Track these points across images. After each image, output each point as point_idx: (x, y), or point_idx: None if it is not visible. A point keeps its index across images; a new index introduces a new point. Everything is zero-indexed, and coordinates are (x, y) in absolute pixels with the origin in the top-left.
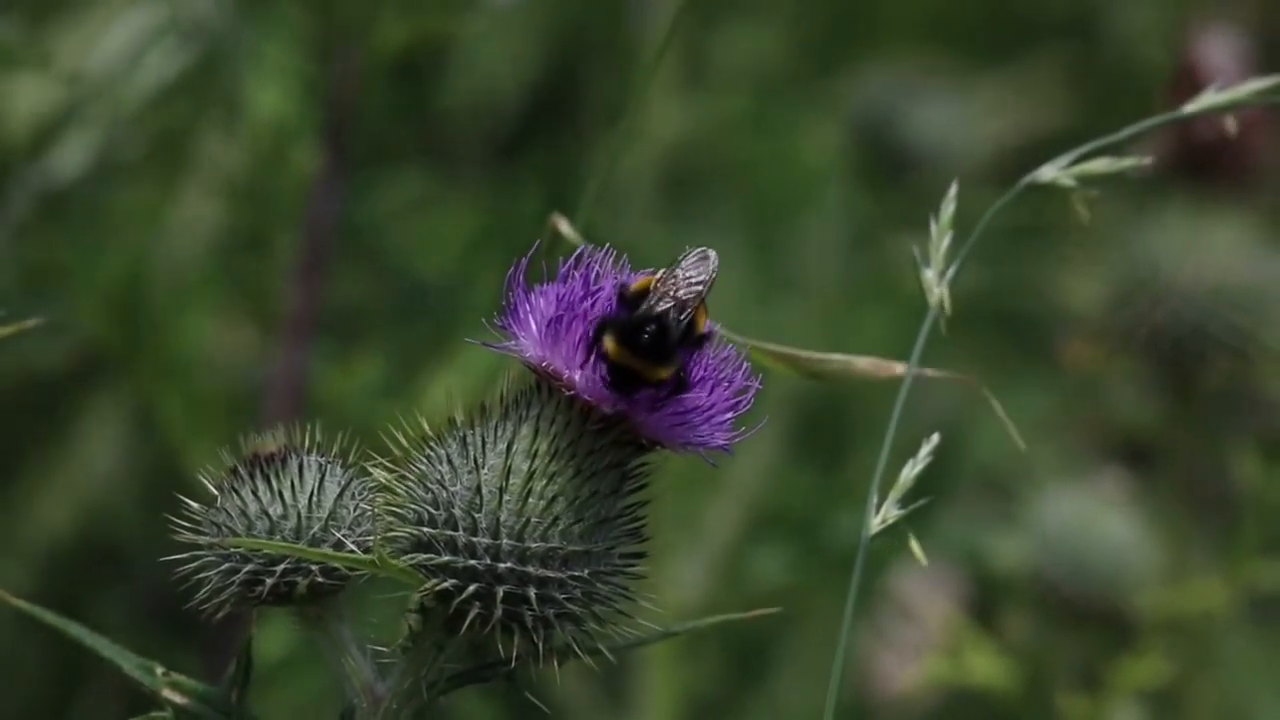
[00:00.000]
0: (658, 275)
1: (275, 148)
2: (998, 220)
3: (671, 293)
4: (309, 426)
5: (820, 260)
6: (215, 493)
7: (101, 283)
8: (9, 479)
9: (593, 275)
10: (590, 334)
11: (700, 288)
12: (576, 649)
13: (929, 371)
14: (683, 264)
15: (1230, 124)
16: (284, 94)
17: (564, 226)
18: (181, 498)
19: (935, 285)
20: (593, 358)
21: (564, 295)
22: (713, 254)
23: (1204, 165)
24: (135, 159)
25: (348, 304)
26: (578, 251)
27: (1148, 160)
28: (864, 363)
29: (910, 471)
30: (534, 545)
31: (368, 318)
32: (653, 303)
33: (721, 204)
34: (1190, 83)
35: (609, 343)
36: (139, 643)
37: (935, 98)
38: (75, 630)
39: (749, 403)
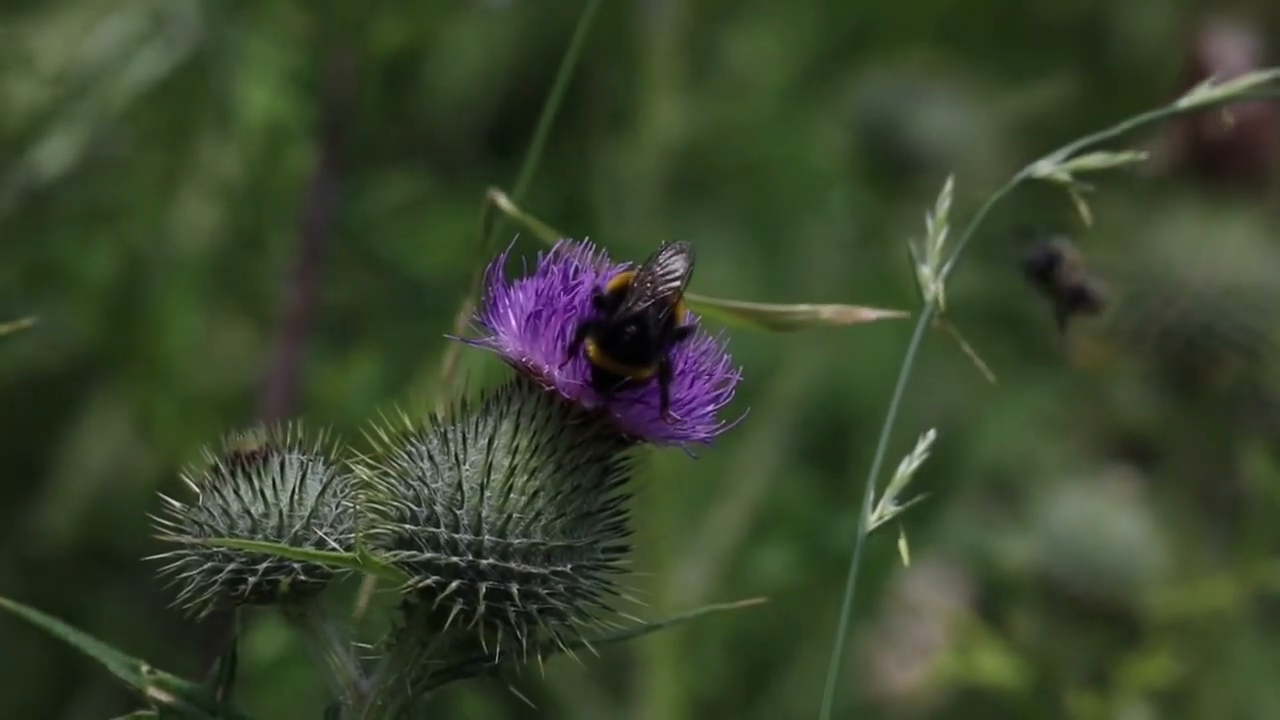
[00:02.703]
0: (635, 273)
1: (270, 147)
2: (1008, 220)
3: (649, 291)
4: (294, 425)
5: (825, 261)
6: (198, 491)
7: (93, 283)
8: (8, 479)
9: (572, 269)
10: (571, 334)
11: (677, 283)
12: (560, 643)
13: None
14: (659, 258)
15: (1228, 118)
16: (278, 93)
17: (503, 201)
18: (164, 497)
19: (931, 282)
20: (575, 357)
21: (543, 290)
22: (689, 245)
23: (1216, 164)
24: (125, 157)
25: (344, 304)
26: (556, 245)
27: (1144, 155)
28: (829, 311)
29: (906, 468)
30: (516, 541)
31: (364, 317)
32: (630, 303)
33: (727, 205)
34: (1200, 82)
35: (590, 347)
36: (139, 643)
37: (941, 99)
38: (60, 629)
39: (730, 395)
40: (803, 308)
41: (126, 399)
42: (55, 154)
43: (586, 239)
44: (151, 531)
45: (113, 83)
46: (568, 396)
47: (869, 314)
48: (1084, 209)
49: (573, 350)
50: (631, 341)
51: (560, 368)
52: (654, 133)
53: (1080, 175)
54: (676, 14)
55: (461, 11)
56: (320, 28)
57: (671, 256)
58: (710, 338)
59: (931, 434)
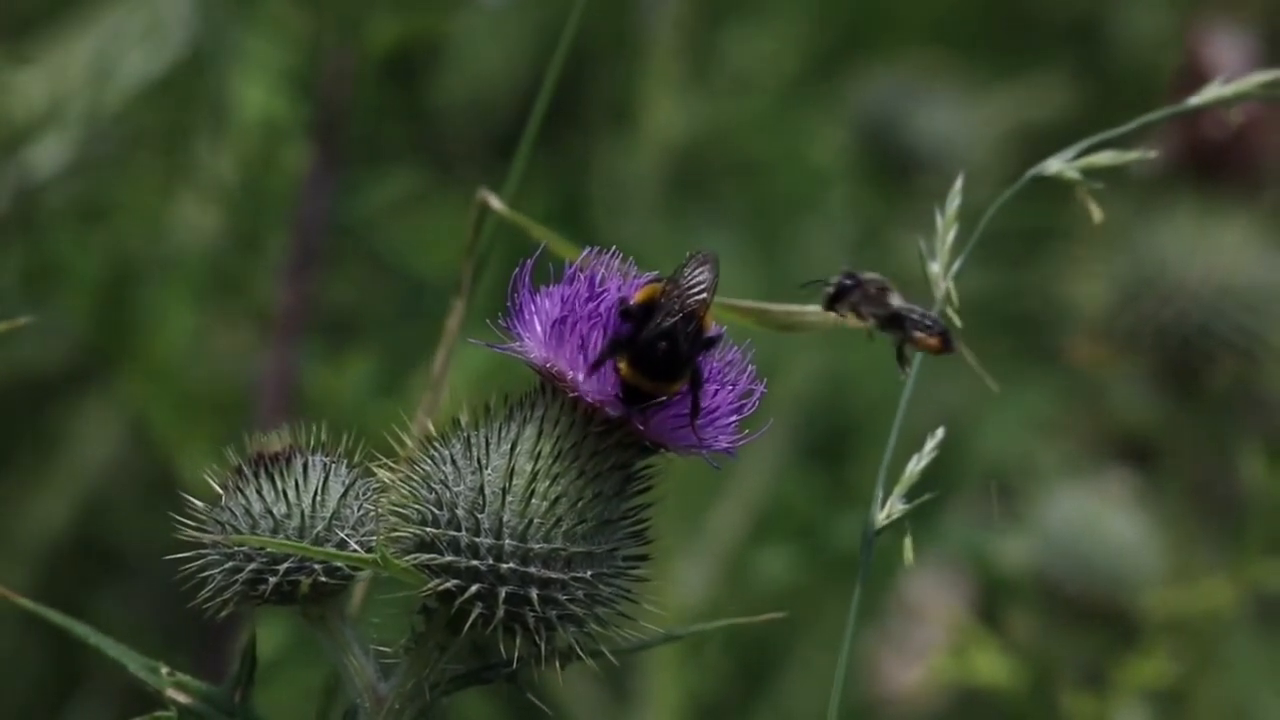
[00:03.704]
0: (661, 287)
1: (265, 146)
2: (1005, 221)
3: (677, 305)
4: (312, 427)
5: (826, 260)
6: (219, 491)
7: (87, 282)
8: (6, 477)
9: (598, 277)
10: (598, 344)
11: (704, 295)
12: (579, 650)
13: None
14: (685, 271)
15: (1234, 116)
16: (273, 92)
17: (494, 201)
18: (186, 496)
19: (941, 279)
20: (603, 368)
21: (569, 297)
22: (713, 256)
23: (1212, 165)
24: (121, 156)
25: (342, 303)
26: (585, 252)
27: (1153, 154)
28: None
29: (916, 466)
30: (537, 546)
31: (362, 317)
32: (659, 319)
33: (728, 204)
34: (1198, 82)
35: (622, 365)
36: (135, 642)
37: (940, 99)
38: (80, 629)
39: (754, 405)
40: (810, 308)
41: (122, 398)
42: (50, 154)
43: (609, 243)
44: (151, 530)
45: (109, 82)
46: (591, 401)
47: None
48: (1094, 207)
49: (599, 363)
50: (663, 358)
51: (585, 373)
52: (655, 131)
53: (1089, 173)
54: (678, 13)
55: (459, 10)
56: (315, 26)
57: (696, 268)
58: (735, 348)
59: (940, 432)
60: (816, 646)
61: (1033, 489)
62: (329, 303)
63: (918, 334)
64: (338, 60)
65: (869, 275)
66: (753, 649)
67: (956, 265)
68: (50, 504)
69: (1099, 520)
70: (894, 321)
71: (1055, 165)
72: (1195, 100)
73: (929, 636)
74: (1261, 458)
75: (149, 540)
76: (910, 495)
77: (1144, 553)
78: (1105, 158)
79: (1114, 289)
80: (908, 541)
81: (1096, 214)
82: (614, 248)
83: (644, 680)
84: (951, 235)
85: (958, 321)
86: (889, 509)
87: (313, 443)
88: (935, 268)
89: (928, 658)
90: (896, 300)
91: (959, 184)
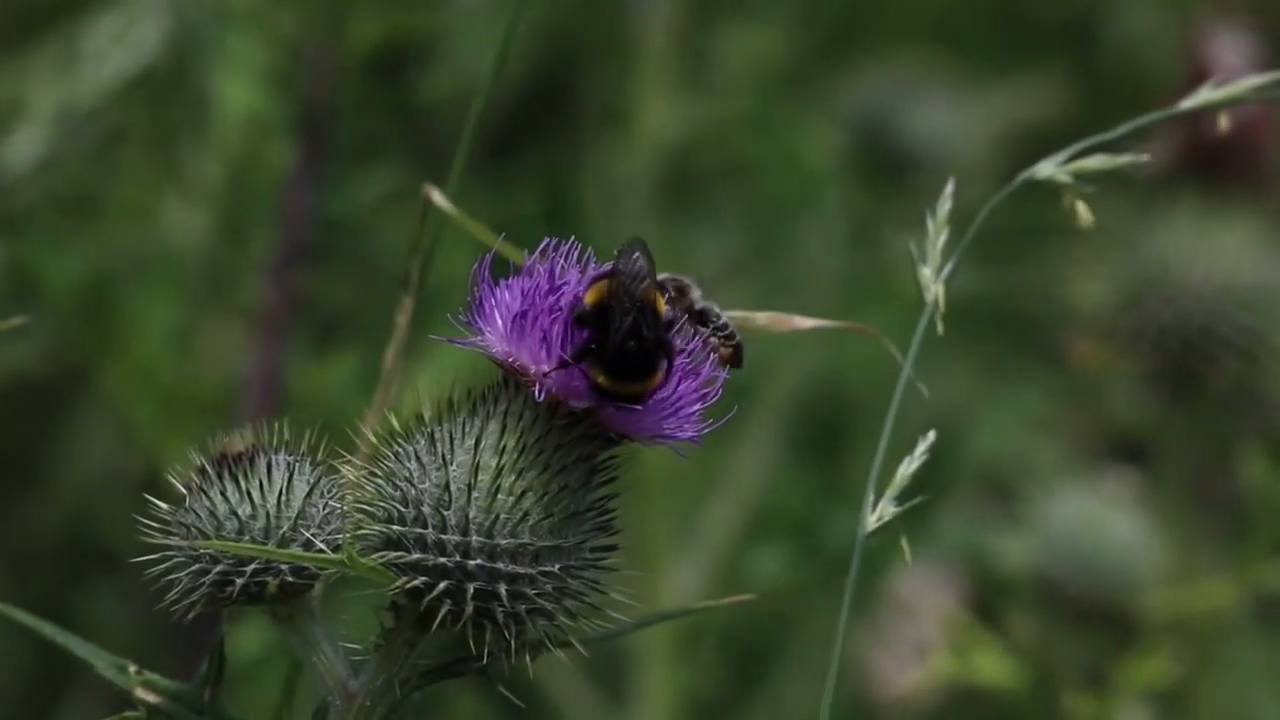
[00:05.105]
0: (605, 287)
1: (249, 143)
2: (1004, 220)
3: (628, 301)
4: (281, 424)
5: (820, 260)
6: (184, 493)
7: (66, 281)
8: (1, 477)
9: (558, 269)
10: (560, 338)
11: (646, 280)
12: (549, 643)
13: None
14: (620, 265)
15: (1225, 121)
16: (256, 89)
17: (436, 196)
18: (151, 499)
19: (931, 283)
20: (568, 369)
21: (529, 290)
22: (638, 243)
23: (1213, 165)
24: (104, 154)
25: (328, 301)
26: (542, 245)
27: (1145, 157)
28: (763, 317)
29: (906, 469)
30: (503, 541)
31: (348, 315)
32: (618, 322)
33: (721, 204)
34: (1203, 82)
35: (600, 379)
36: (127, 641)
37: (935, 98)
38: (48, 630)
39: (717, 393)
40: (735, 313)
41: (109, 398)
42: (23, 149)
43: (572, 238)
44: (138, 531)
45: (83, 79)
46: (554, 394)
47: (804, 322)
48: (1084, 211)
49: (564, 366)
50: (637, 357)
51: (549, 372)
52: (647, 132)
53: (1081, 177)
54: (669, 12)
55: (437, 8)
56: (299, 23)
57: (630, 257)
58: (696, 336)
59: (931, 435)
60: (812, 644)
61: (1029, 488)
62: (315, 300)
63: (714, 340)
64: (322, 58)
65: (668, 276)
66: (748, 647)
67: (948, 269)
68: (45, 504)
69: (1100, 520)
70: (700, 320)
71: (1047, 169)
72: (1187, 104)
73: (920, 634)
74: (1261, 458)
75: (138, 541)
76: (902, 498)
77: (1145, 553)
78: (1096, 162)
79: (1115, 289)
80: (905, 544)
81: (1085, 218)
82: (605, 249)
83: (639, 679)
84: (943, 239)
85: (940, 328)
86: (880, 512)
87: (276, 441)
88: (927, 272)
89: (922, 656)
90: (698, 297)
91: (950, 187)
